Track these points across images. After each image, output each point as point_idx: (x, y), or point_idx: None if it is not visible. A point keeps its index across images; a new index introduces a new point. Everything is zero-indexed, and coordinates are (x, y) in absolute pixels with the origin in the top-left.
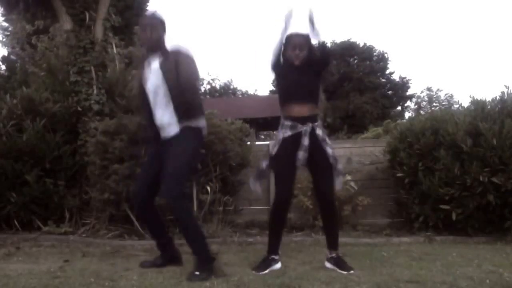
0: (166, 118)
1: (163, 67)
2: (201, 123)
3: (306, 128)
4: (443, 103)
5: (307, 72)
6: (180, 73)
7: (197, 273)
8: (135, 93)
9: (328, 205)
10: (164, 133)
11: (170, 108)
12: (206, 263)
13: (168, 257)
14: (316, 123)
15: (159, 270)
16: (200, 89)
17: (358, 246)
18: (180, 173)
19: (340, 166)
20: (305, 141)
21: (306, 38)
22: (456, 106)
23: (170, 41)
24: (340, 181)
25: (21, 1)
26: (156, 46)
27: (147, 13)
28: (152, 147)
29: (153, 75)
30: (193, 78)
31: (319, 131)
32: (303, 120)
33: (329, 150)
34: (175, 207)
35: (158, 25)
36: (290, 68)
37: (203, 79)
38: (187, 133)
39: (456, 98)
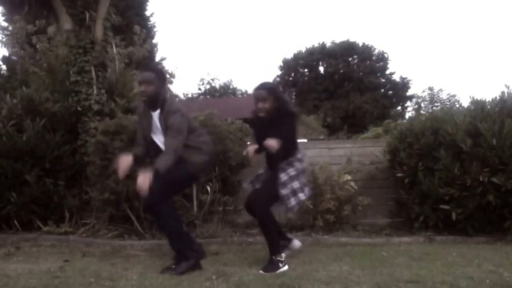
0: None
1: (161, 122)
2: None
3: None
4: (445, 103)
5: (276, 121)
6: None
7: (173, 266)
8: (138, 136)
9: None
10: None
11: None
12: (190, 258)
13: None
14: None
15: (159, 270)
16: (184, 138)
17: (358, 246)
18: (162, 193)
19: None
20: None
21: (268, 90)
22: (457, 106)
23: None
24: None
25: (25, 2)
26: (155, 101)
27: (142, 68)
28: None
29: (155, 127)
30: (179, 151)
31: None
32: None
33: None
34: (153, 212)
35: (152, 79)
36: (261, 119)
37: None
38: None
39: (457, 98)
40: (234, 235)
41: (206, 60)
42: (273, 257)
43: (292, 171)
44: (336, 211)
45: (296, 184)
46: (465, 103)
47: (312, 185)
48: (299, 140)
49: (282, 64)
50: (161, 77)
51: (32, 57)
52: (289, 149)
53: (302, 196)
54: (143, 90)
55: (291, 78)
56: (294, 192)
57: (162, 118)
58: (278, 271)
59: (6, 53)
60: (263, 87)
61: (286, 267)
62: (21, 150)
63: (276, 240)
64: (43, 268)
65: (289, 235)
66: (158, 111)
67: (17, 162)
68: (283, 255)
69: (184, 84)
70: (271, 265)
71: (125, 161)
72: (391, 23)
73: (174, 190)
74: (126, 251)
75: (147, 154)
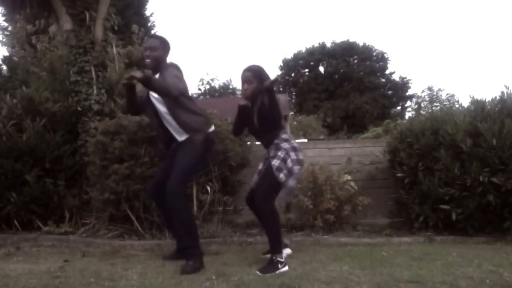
0: (174, 132)
1: None
2: (202, 134)
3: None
4: (444, 103)
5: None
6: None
7: (190, 262)
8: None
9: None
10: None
11: (174, 124)
12: (197, 256)
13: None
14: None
15: (159, 270)
16: (188, 97)
17: (358, 246)
18: (182, 174)
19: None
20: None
21: (253, 72)
22: (456, 106)
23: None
24: (286, 192)
25: (26, 2)
26: (157, 66)
27: (149, 36)
28: (167, 150)
29: (154, 98)
30: (174, 91)
31: (270, 151)
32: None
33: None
34: (172, 201)
35: (158, 46)
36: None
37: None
38: (193, 141)
39: (457, 97)
40: (234, 235)
41: (206, 60)
42: (273, 257)
43: (281, 153)
44: (336, 211)
45: (289, 163)
46: (465, 103)
47: (312, 185)
48: (299, 140)
49: (282, 64)
50: (165, 45)
51: (32, 57)
52: (272, 128)
53: (296, 169)
54: (147, 55)
55: (291, 78)
56: (290, 172)
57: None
58: (276, 272)
59: (6, 53)
60: (249, 69)
61: (286, 268)
62: (21, 150)
63: (279, 238)
64: (43, 268)
65: (285, 240)
66: (157, 75)
67: (17, 162)
68: (284, 255)
69: None
70: (270, 266)
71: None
72: (391, 23)
73: (189, 174)
74: (126, 251)
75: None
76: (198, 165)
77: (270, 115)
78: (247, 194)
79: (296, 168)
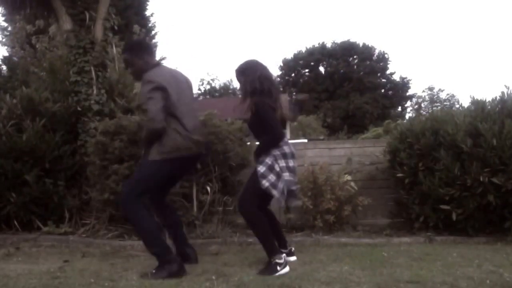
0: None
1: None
2: (158, 154)
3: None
4: (445, 103)
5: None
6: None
7: (153, 271)
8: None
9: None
10: None
11: None
12: (164, 264)
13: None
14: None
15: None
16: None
17: (359, 246)
18: (136, 183)
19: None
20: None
21: (237, 71)
22: (457, 106)
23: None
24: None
25: (26, 2)
26: (139, 75)
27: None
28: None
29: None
30: (157, 125)
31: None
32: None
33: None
34: (123, 208)
35: (129, 58)
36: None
37: (202, 80)
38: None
39: (457, 98)
40: (234, 235)
41: (206, 60)
42: (271, 259)
43: (269, 160)
44: (336, 212)
45: (277, 169)
46: (465, 103)
47: (312, 185)
48: (298, 141)
49: (282, 64)
50: (138, 51)
51: (32, 57)
52: (262, 134)
53: (286, 176)
54: (129, 72)
55: (291, 78)
56: (278, 178)
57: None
58: (276, 274)
59: (6, 53)
60: (236, 69)
61: (286, 269)
62: (21, 150)
63: (269, 240)
64: (43, 269)
65: (290, 247)
66: None
67: (17, 162)
68: (282, 256)
69: None
70: (268, 268)
71: None
72: (391, 23)
73: (143, 187)
74: (126, 251)
75: None
76: (157, 181)
77: (259, 126)
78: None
79: (285, 175)
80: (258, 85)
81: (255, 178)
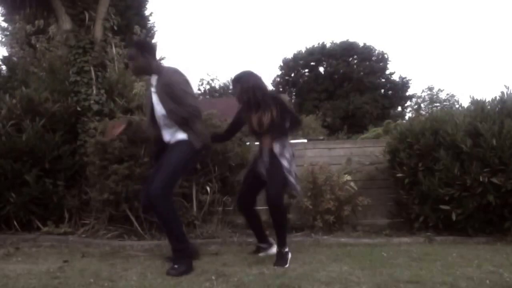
0: (167, 137)
1: (157, 90)
2: (193, 137)
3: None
4: (444, 103)
5: None
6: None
7: (176, 266)
8: (146, 112)
9: (272, 209)
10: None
11: (170, 128)
12: (184, 259)
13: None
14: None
15: (158, 271)
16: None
17: (358, 246)
18: (167, 176)
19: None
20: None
21: (233, 81)
22: (456, 106)
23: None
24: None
25: (26, 2)
26: (144, 71)
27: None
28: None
29: (154, 98)
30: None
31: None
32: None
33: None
34: (155, 205)
35: (134, 54)
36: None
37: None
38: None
39: (457, 98)
40: (233, 236)
41: (206, 60)
42: (282, 249)
43: (288, 155)
44: (336, 212)
45: (294, 168)
46: (465, 103)
47: (311, 185)
48: (298, 140)
49: (282, 64)
50: (144, 49)
51: (32, 57)
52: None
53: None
54: (130, 66)
55: (291, 78)
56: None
57: (159, 86)
58: (288, 264)
59: (6, 53)
60: (233, 77)
61: (289, 255)
62: (21, 150)
63: (286, 231)
64: (43, 269)
65: (271, 240)
66: (153, 77)
67: (17, 162)
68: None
69: None
70: (283, 259)
71: (117, 124)
72: (391, 23)
73: (174, 177)
74: (126, 251)
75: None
76: (185, 169)
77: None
78: (238, 196)
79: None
80: (251, 94)
81: (280, 171)
